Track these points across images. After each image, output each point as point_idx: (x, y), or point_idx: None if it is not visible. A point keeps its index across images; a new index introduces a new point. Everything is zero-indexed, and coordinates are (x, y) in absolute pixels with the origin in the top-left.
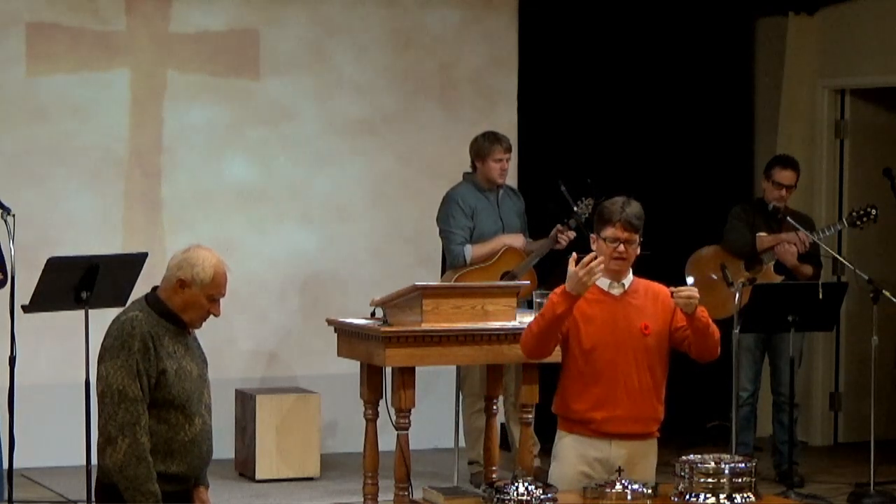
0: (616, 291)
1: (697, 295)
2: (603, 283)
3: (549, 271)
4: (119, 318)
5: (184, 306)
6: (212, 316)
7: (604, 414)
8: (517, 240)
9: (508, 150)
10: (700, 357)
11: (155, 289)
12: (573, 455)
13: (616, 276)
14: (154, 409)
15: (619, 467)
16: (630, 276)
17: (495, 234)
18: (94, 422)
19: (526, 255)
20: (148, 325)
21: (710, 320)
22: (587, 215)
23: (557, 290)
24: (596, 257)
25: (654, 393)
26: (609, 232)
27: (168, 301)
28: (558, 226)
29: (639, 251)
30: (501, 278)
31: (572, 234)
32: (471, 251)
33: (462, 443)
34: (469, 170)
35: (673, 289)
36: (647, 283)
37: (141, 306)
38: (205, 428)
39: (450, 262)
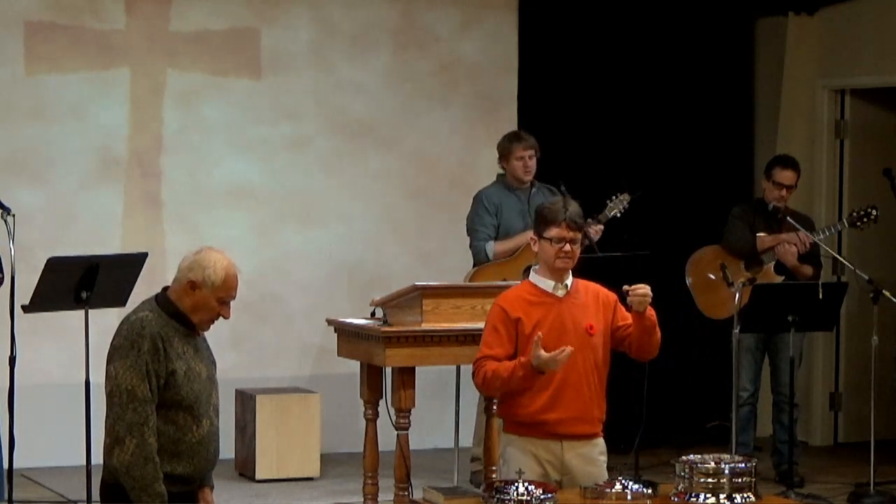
0: (560, 293)
1: (650, 294)
2: (546, 284)
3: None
4: (129, 317)
5: (194, 308)
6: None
7: (555, 415)
8: None
9: (530, 147)
10: (640, 356)
11: (165, 289)
12: (525, 455)
13: (559, 277)
14: (162, 410)
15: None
16: (570, 276)
17: (523, 230)
18: (94, 422)
19: None
20: (158, 326)
21: (656, 320)
22: (622, 211)
23: (523, 362)
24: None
25: (601, 392)
26: (554, 232)
27: (178, 302)
28: (588, 219)
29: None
30: (524, 273)
31: (600, 228)
32: (493, 247)
33: (462, 443)
34: (501, 170)
35: (627, 287)
36: (586, 283)
37: (151, 306)
38: (212, 429)
39: (474, 259)
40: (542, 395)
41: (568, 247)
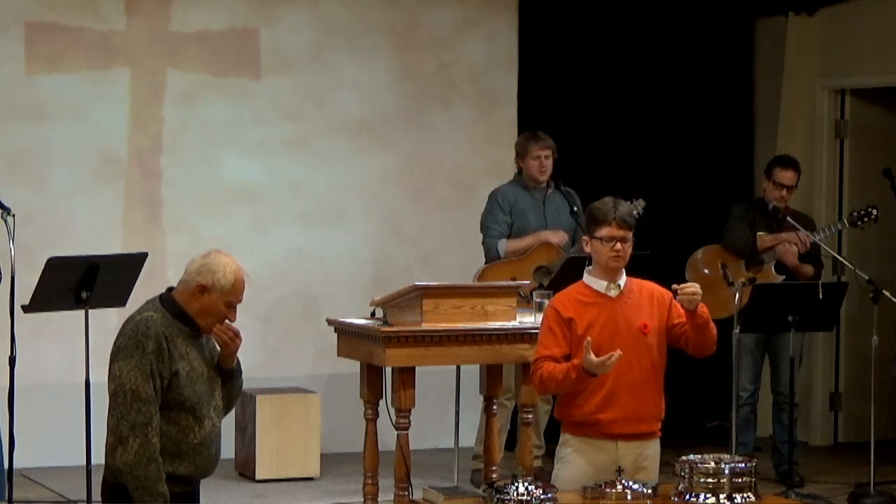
0: (613, 293)
1: (700, 291)
2: (599, 285)
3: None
4: (133, 317)
5: (201, 311)
6: None
7: (609, 415)
8: (555, 235)
9: (547, 147)
10: (697, 353)
11: (170, 290)
12: (580, 457)
13: (612, 277)
14: (165, 411)
15: (620, 468)
16: (624, 276)
17: (536, 230)
18: (94, 422)
19: (562, 251)
20: (162, 326)
21: (710, 317)
22: (637, 216)
23: (575, 364)
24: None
25: (657, 391)
26: (605, 231)
27: (185, 304)
28: None
29: (631, 250)
30: (535, 272)
31: None
32: (504, 245)
33: (462, 443)
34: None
35: (676, 286)
36: (641, 282)
37: (155, 306)
38: (214, 430)
39: (485, 256)
40: (596, 396)
41: (619, 245)
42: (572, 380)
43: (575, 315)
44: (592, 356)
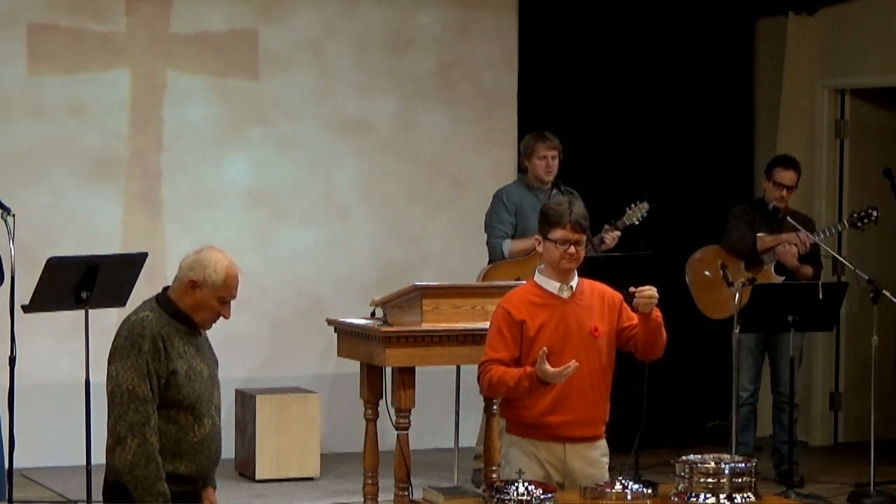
0: (565, 294)
1: (657, 295)
2: (552, 286)
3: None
4: (129, 318)
5: (195, 307)
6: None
7: (559, 418)
8: None
9: (553, 147)
10: (646, 357)
11: (166, 289)
12: (527, 457)
13: (565, 279)
14: (164, 410)
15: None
16: (576, 277)
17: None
18: (94, 422)
19: None
20: (158, 326)
21: (662, 321)
22: (640, 219)
23: (528, 373)
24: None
25: (605, 394)
26: (559, 234)
27: (179, 302)
28: (606, 225)
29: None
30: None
31: (617, 234)
32: (509, 245)
33: (462, 443)
34: (525, 169)
35: (633, 288)
36: (592, 284)
37: (151, 306)
38: (214, 429)
39: (489, 256)
40: (545, 399)
41: (573, 249)
42: (525, 387)
43: (527, 316)
44: (548, 367)
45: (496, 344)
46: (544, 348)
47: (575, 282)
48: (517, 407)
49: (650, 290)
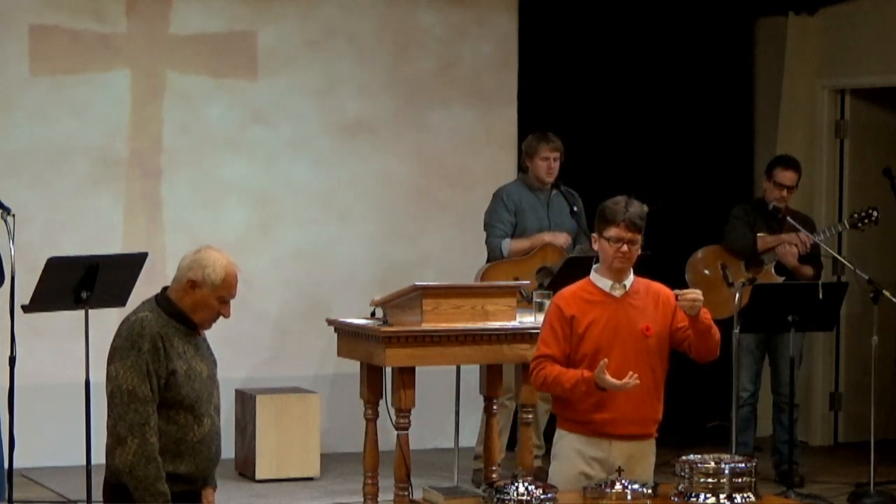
0: (618, 292)
1: (702, 297)
2: (605, 284)
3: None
4: (129, 318)
5: (194, 307)
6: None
7: (605, 415)
8: (558, 237)
9: (556, 149)
10: (700, 357)
11: (165, 289)
12: (573, 454)
13: (618, 277)
14: (163, 410)
15: (619, 467)
16: (631, 276)
17: (539, 231)
18: (94, 422)
19: (565, 253)
20: (158, 326)
21: (712, 321)
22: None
23: (586, 377)
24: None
25: (655, 394)
26: (612, 232)
27: (178, 302)
28: None
29: (639, 251)
30: (537, 273)
31: None
32: (508, 244)
33: (462, 443)
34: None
35: (678, 291)
36: (648, 283)
37: (151, 307)
38: (213, 429)
39: (488, 255)
40: (592, 396)
41: (626, 247)
42: (581, 392)
43: (577, 312)
44: (608, 376)
45: (548, 339)
46: (605, 360)
47: (629, 280)
48: (567, 402)
49: (694, 293)
